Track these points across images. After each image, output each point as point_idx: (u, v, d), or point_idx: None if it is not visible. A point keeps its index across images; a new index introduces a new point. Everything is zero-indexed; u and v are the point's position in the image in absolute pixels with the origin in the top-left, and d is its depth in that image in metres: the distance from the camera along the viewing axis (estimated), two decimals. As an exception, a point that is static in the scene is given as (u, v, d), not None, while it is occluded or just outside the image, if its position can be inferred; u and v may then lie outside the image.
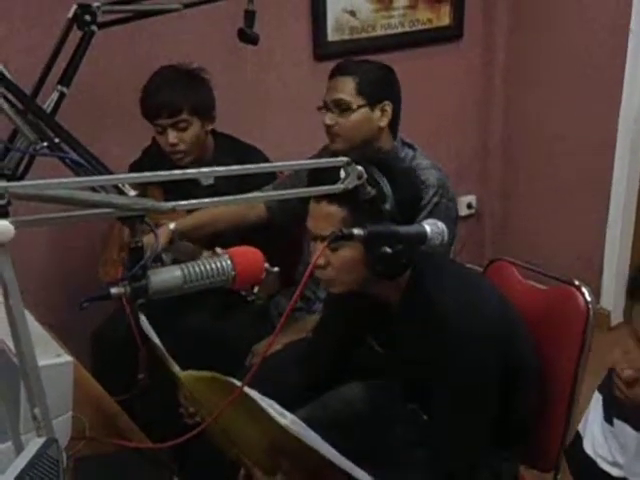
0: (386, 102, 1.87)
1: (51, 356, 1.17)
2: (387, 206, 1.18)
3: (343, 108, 1.84)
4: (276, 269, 1.43)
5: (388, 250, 1.10)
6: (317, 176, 1.19)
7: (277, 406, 1.09)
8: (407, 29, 2.86)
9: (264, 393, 1.21)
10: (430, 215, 1.73)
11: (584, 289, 1.46)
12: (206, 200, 0.94)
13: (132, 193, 1.01)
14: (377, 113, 1.86)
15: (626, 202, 2.84)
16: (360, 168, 1.01)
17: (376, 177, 1.20)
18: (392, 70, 1.93)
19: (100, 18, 1.60)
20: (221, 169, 0.99)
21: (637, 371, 0.97)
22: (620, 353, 0.99)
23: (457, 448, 1.32)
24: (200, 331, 2.01)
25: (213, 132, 2.10)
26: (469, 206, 3.31)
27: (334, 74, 1.89)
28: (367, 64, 1.92)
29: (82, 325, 2.07)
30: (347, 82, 1.84)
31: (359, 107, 1.84)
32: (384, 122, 1.88)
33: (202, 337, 1.99)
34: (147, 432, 1.39)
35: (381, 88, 1.87)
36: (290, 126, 2.64)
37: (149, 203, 0.87)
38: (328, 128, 1.87)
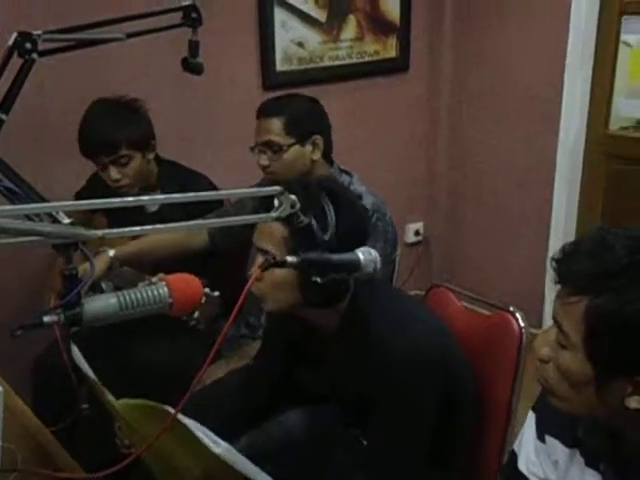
0: (316, 136, 1.90)
1: (-20, 387, 1.15)
2: (327, 234, 1.20)
3: (274, 149, 1.87)
4: (216, 293, 1.43)
5: (318, 279, 1.11)
6: (267, 204, 1.20)
7: (211, 434, 1.08)
8: (354, 60, 2.93)
9: (207, 420, 1.21)
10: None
11: (518, 314, 1.50)
12: (136, 228, 0.94)
13: (66, 221, 1.01)
14: (309, 148, 1.90)
15: (565, 230, 2.94)
16: (293, 197, 1.03)
17: (323, 203, 1.23)
18: (317, 102, 1.97)
19: (41, 46, 1.60)
20: (160, 197, 1.00)
21: (551, 347, 1.00)
22: (540, 334, 1.03)
23: (394, 473, 1.33)
24: (144, 357, 1.99)
25: (157, 158, 2.09)
26: (417, 233, 3.37)
27: (259, 115, 1.91)
28: (291, 101, 1.94)
29: (26, 353, 2.03)
30: (274, 123, 1.87)
31: (290, 146, 1.87)
32: (317, 155, 1.92)
33: (146, 363, 1.97)
34: (88, 464, 1.37)
35: (309, 123, 1.91)
36: (238, 154, 2.64)
37: (79, 231, 0.87)
38: (263, 168, 1.91)
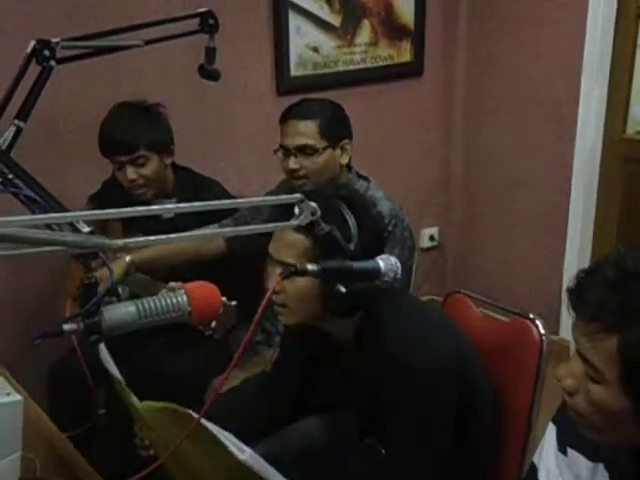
0: (345, 141, 1.90)
1: (0, 395, 1.15)
2: (352, 243, 1.19)
3: (308, 152, 1.85)
4: (234, 303, 1.42)
5: (342, 289, 1.10)
6: (283, 209, 1.20)
7: (235, 439, 1.07)
8: (369, 65, 2.92)
9: (224, 428, 1.20)
10: (386, 244, 1.75)
11: (538, 322, 1.48)
12: (159, 237, 0.94)
13: (85, 229, 1.01)
14: (338, 152, 1.89)
15: (582, 235, 2.91)
16: (314, 205, 1.03)
17: (344, 214, 1.22)
18: (342, 106, 1.97)
19: (59, 53, 1.60)
20: (173, 206, 1.00)
21: (577, 380, 0.97)
22: (563, 364, 0.99)
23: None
24: (159, 365, 1.99)
25: (173, 165, 2.10)
26: (431, 238, 3.35)
27: (290, 117, 1.89)
28: (322, 104, 1.93)
29: (41, 359, 2.04)
30: (309, 126, 1.85)
31: (324, 149, 1.86)
32: (345, 160, 1.91)
33: (161, 371, 1.97)
34: (105, 470, 1.37)
35: (340, 127, 1.91)
36: (253, 159, 2.66)
37: (100, 240, 0.87)
38: (293, 172, 1.88)
